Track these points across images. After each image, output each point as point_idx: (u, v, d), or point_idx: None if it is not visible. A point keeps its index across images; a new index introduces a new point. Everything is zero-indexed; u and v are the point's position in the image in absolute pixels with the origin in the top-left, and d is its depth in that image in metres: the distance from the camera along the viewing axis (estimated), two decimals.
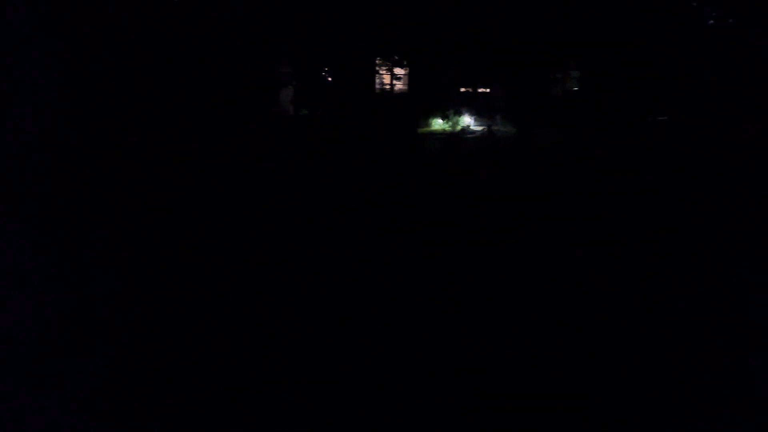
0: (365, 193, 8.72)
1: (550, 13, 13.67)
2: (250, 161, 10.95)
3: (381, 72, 16.46)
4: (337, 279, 5.26)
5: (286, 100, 15.90)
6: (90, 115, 11.22)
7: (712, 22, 13.17)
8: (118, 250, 5.84)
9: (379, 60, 16.05)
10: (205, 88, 13.89)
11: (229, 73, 14.13)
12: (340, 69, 15.23)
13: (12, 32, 9.56)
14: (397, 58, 15.84)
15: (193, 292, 4.90)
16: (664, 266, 5.65)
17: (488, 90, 17.49)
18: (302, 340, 4.09)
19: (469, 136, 14.74)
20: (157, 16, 13.25)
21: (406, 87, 16.70)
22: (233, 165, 10.50)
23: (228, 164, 10.51)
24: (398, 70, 16.66)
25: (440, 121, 15.92)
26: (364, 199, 8.36)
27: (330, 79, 16.15)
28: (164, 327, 4.22)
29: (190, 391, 3.38)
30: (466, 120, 15.88)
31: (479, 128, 15.27)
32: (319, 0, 14.14)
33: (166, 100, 13.17)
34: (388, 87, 16.79)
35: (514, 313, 4.58)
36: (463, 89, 17.10)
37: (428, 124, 15.80)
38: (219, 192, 8.47)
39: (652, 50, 13.91)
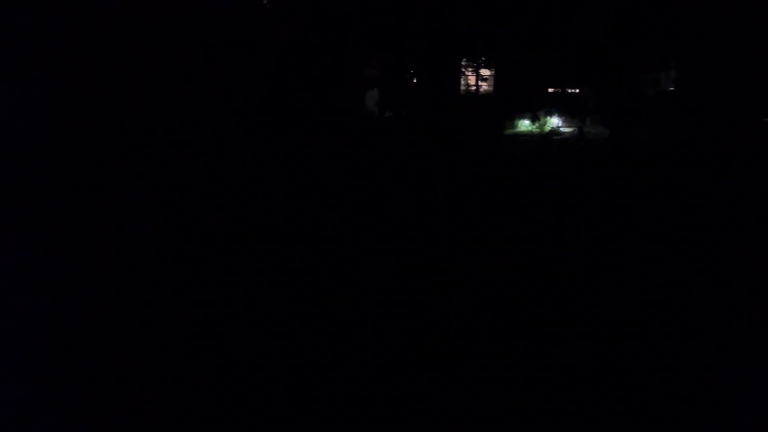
0: (448, 195, 8.63)
1: (644, 10, 13.11)
2: (335, 162, 11.10)
3: (466, 73, 16.30)
4: (414, 280, 5.21)
5: (371, 102, 16.04)
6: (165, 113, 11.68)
7: None
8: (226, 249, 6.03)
9: (465, 61, 15.90)
10: (293, 90, 14.24)
11: (316, 75, 14.42)
12: (425, 71, 15.20)
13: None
14: (483, 59, 15.63)
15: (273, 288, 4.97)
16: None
17: (577, 90, 16.95)
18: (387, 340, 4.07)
19: (556, 137, 14.31)
20: (247, 18, 13.70)
21: (491, 88, 16.45)
22: (320, 166, 10.66)
23: (315, 165, 10.69)
24: (484, 71, 16.43)
25: (526, 122, 15.56)
26: (446, 201, 8.28)
27: (415, 81, 16.15)
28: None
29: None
30: (554, 121, 15.44)
31: (568, 130, 14.80)
32: (404, 2, 14.18)
33: (255, 102, 13.59)
34: (473, 88, 16.59)
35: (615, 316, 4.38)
36: (550, 90, 16.65)
37: (514, 126, 15.48)
38: (306, 190, 8.61)
39: (754, 47, 13.06)
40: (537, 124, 15.26)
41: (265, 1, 14.23)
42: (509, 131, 15.06)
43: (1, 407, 3.20)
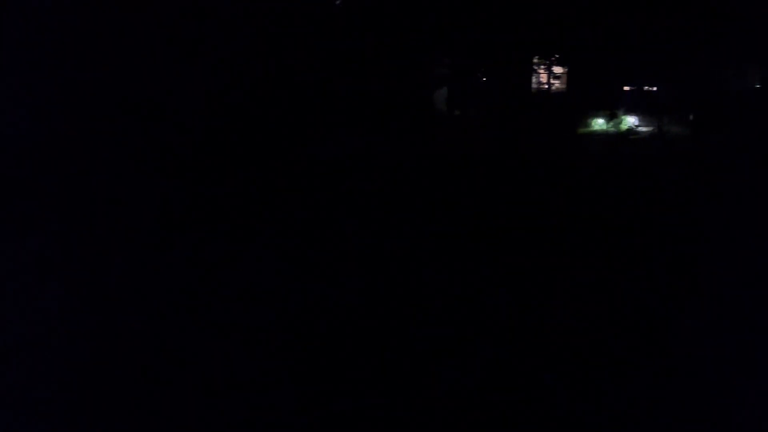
0: (520, 197, 8.52)
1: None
2: (404, 161, 11.14)
3: (538, 71, 16.00)
4: (478, 283, 5.19)
5: (440, 100, 15.97)
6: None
7: None
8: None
9: (537, 59, 15.61)
10: (361, 89, 14.37)
11: (385, 73, 14.49)
12: (495, 68, 15.02)
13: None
14: (557, 56, 15.30)
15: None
16: None
17: (654, 88, 16.35)
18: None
19: (633, 137, 13.87)
20: (316, 16, 13.90)
21: (564, 86, 16.09)
22: (388, 165, 10.74)
23: (383, 164, 10.77)
24: (557, 69, 16.09)
25: (600, 121, 15.14)
26: (518, 203, 8.18)
27: (484, 79, 15.98)
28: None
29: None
30: (630, 120, 14.96)
31: (645, 129, 14.31)
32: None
33: (328, 102, 13.80)
34: (545, 86, 16.27)
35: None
36: (626, 88, 16.13)
37: (587, 125, 15.10)
38: (375, 190, 8.69)
39: None
40: (612, 123, 14.84)
41: (337, 2, 14.41)
42: (583, 131, 14.71)
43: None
